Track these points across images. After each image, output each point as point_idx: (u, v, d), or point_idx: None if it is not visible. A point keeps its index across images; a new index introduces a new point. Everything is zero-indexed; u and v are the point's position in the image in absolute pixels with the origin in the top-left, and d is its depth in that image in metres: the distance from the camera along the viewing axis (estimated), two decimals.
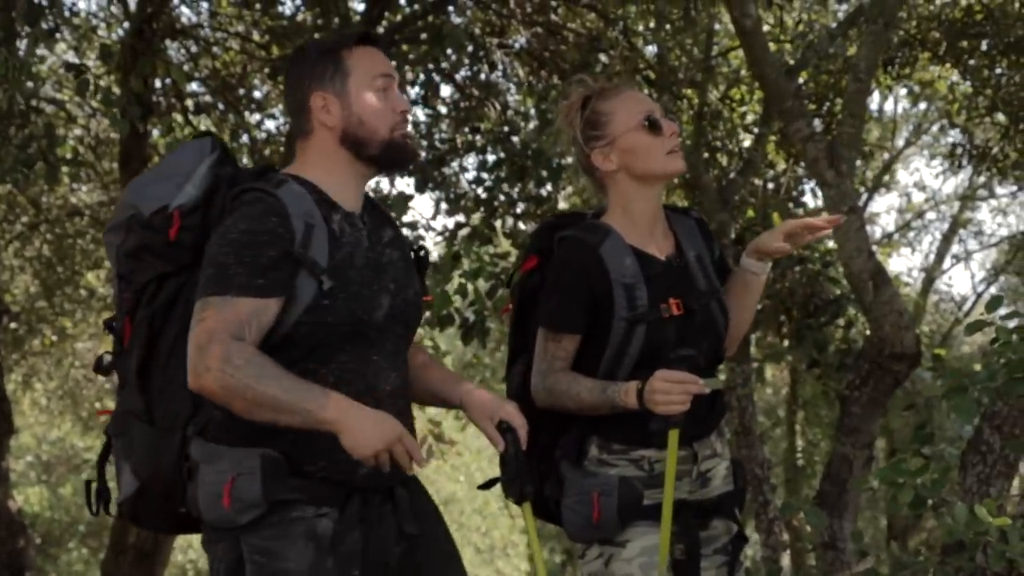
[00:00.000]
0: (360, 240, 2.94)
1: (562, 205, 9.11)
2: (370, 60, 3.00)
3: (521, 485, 2.99)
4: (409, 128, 3.05)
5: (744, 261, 3.39)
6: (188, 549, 21.13)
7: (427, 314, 7.68)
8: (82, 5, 30.72)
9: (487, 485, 3.20)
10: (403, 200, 7.85)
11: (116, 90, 8.88)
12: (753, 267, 3.39)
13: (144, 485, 2.89)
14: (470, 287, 7.43)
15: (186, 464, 2.82)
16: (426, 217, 13.04)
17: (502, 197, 8.63)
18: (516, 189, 8.59)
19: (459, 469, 23.90)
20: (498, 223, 8.61)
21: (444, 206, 8.77)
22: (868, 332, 7.22)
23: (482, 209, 8.60)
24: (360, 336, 2.87)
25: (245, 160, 10.91)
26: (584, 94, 3.36)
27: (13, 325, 13.04)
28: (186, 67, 10.05)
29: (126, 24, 9.36)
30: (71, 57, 10.22)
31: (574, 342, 3.24)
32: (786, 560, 9.52)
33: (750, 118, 10.32)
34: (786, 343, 9.83)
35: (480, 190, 8.72)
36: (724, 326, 3.37)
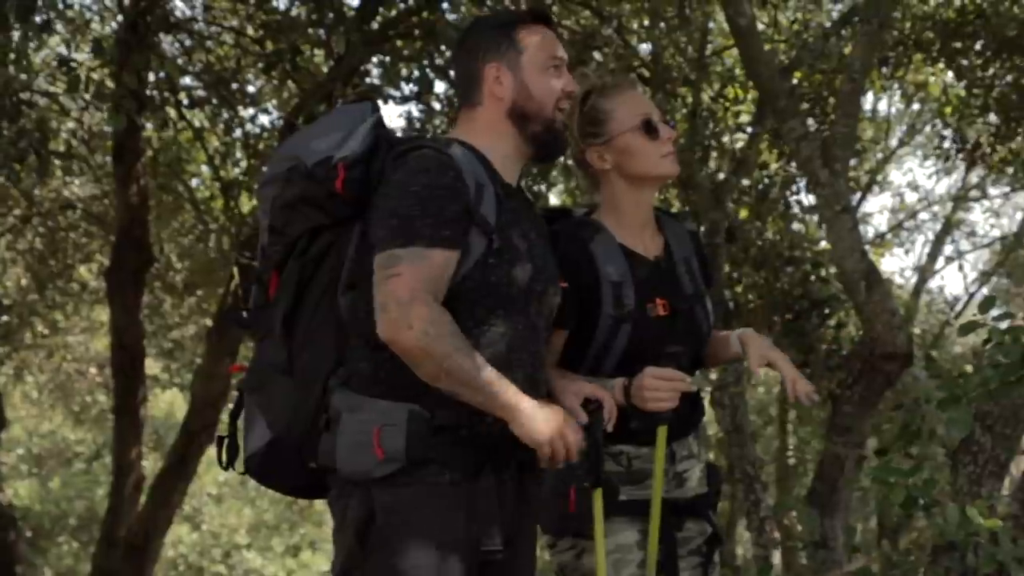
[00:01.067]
0: (518, 210, 2.95)
1: (553, 201, 9.10)
2: (543, 39, 3.04)
3: (599, 468, 3.00)
4: (566, 110, 3.07)
5: (738, 345, 3.38)
6: (179, 544, 21.13)
7: None
8: None
9: (568, 471, 3.10)
10: None
11: (109, 84, 8.87)
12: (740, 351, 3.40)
13: (277, 437, 2.86)
14: None
15: (324, 415, 2.80)
16: None
17: None
18: None
19: None
20: None
21: None
22: (860, 332, 7.23)
23: None
24: (512, 301, 2.86)
25: (239, 155, 10.91)
26: (585, 89, 3.33)
27: (5, 318, 13.02)
28: (180, 61, 10.03)
29: (119, 18, 9.35)
30: (64, 51, 10.19)
31: (562, 337, 3.20)
32: (777, 558, 9.54)
33: (744, 117, 10.33)
34: (778, 342, 9.84)
35: None
36: (707, 330, 3.38)
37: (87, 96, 10.08)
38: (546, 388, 3.04)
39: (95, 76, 9.13)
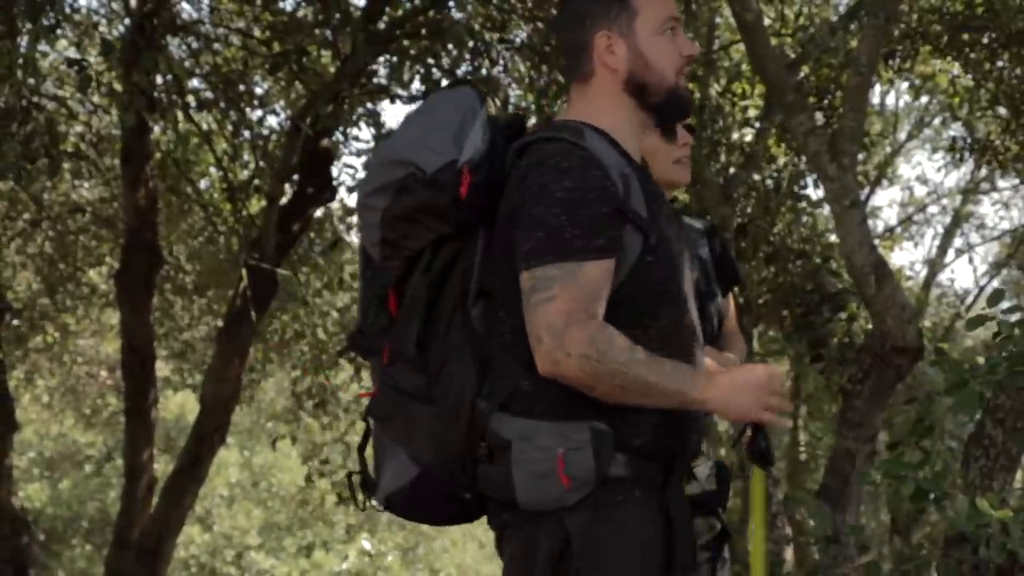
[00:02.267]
0: (658, 194, 2.70)
1: None
2: (658, 0, 2.74)
3: (768, 448, 2.85)
4: (687, 75, 2.79)
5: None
6: (190, 545, 21.16)
7: None
8: (83, 1, 30.74)
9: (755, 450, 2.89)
10: None
11: (118, 87, 8.88)
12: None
13: (425, 471, 2.63)
14: None
15: (483, 444, 2.56)
16: None
17: None
18: None
19: None
20: None
21: None
22: (870, 326, 7.22)
23: None
24: (672, 298, 2.63)
25: (247, 157, 10.93)
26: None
27: (15, 322, 13.04)
28: (187, 63, 10.04)
29: (127, 20, 9.36)
30: (72, 53, 10.21)
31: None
32: (789, 554, 9.53)
33: (751, 112, 10.32)
34: (788, 337, 9.83)
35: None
36: (718, 327, 3.36)
37: (96, 99, 10.13)
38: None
39: (104, 78, 9.16)
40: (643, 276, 2.55)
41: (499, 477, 2.54)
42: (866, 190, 15.43)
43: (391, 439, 2.71)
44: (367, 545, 22.40)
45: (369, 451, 2.82)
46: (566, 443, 2.49)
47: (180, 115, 9.75)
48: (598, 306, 2.47)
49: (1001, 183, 18.56)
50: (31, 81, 6.09)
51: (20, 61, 6.05)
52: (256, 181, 10.45)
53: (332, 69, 9.46)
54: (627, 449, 2.54)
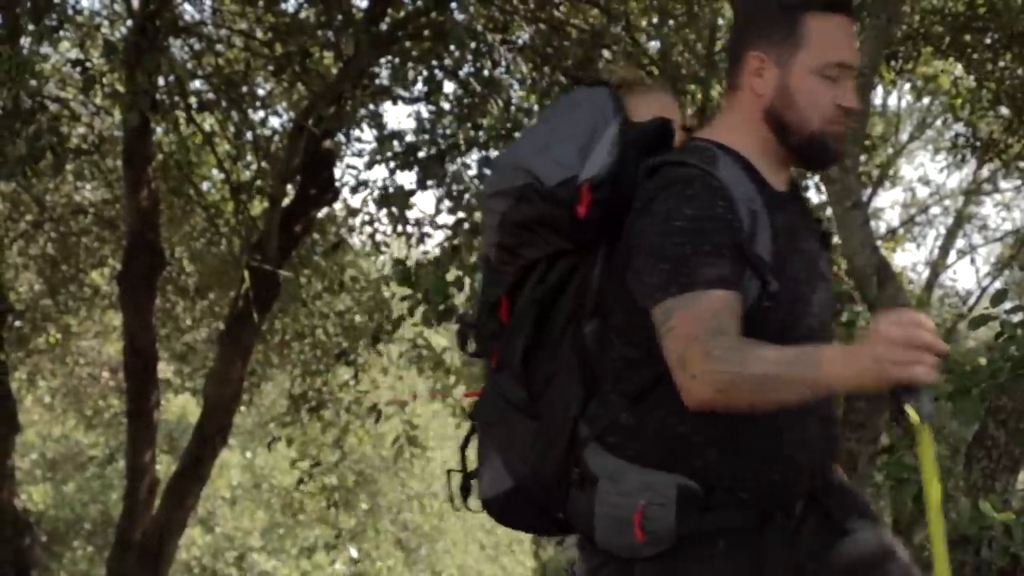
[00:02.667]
0: (795, 226, 2.51)
1: None
2: (834, 36, 2.56)
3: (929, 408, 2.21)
4: (842, 128, 2.61)
5: None
6: (192, 547, 21.16)
7: (421, 310, 7.72)
8: (85, 3, 30.73)
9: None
10: (404, 195, 7.84)
11: (120, 88, 8.89)
12: None
13: (520, 484, 2.58)
14: (467, 281, 7.44)
15: (576, 470, 2.47)
16: (429, 214, 13.06)
17: None
18: None
19: None
20: None
21: (447, 203, 8.77)
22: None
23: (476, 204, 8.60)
24: (791, 342, 2.34)
25: (249, 158, 10.93)
26: (617, 84, 3.24)
27: (17, 323, 13.04)
28: (189, 65, 10.05)
29: (129, 22, 9.36)
30: (75, 55, 10.22)
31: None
32: None
33: None
34: None
35: (479, 185, 8.72)
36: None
37: (98, 100, 10.13)
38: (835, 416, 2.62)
39: (106, 79, 9.16)
40: (760, 321, 2.36)
41: (583, 508, 2.46)
42: (868, 191, 15.43)
43: (492, 445, 2.66)
44: (354, 553, 22.39)
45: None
46: (650, 495, 2.38)
47: (182, 117, 9.77)
48: (722, 328, 2.27)
49: (1003, 184, 18.57)
50: (33, 83, 6.09)
51: (23, 62, 6.06)
52: (258, 182, 10.46)
53: (335, 70, 9.46)
54: (718, 502, 2.38)
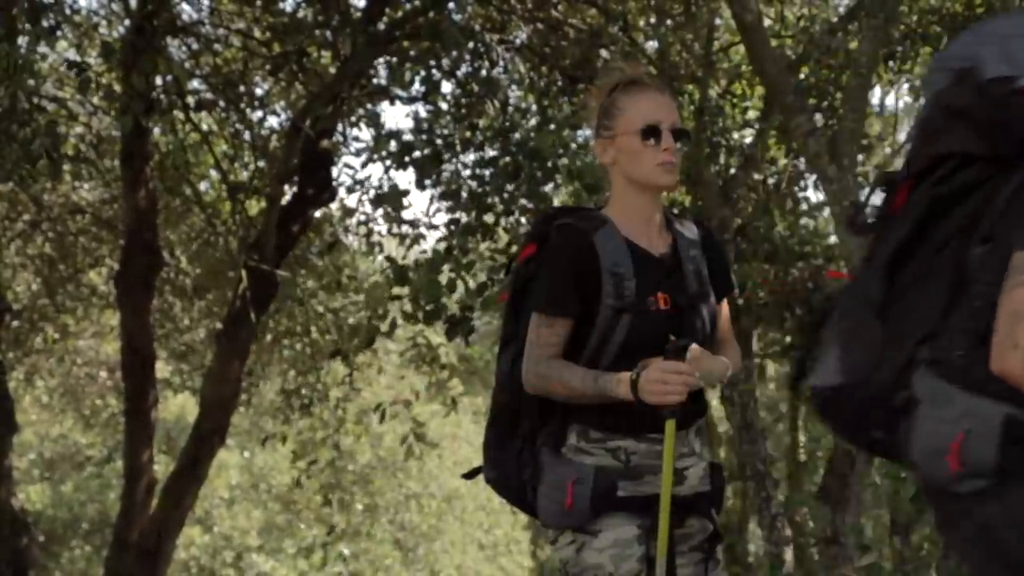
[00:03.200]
0: None
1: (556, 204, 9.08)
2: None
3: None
4: None
5: None
6: (190, 547, 21.16)
7: (407, 307, 7.75)
8: (83, 3, 30.72)
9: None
10: (397, 195, 7.83)
11: (117, 88, 8.88)
12: None
13: (848, 384, 2.37)
14: (460, 282, 7.43)
15: (904, 392, 2.24)
16: (428, 214, 13.06)
17: (496, 197, 8.61)
18: (511, 187, 8.58)
19: (462, 465, 23.90)
20: (495, 219, 8.59)
21: (443, 203, 8.75)
22: None
23: (476, 204, 8.59)
24: None
25: (247, 158, 10.93)
26: (613, 82, 3.35)
27: (15, 323, 13.04)
28: (187, 64, 10.05)
29: (127, 22, 9.36)
30: (72, 55, 10.21)
31: (566, 327, 3.24)
32: (788, 555, 9.53)
33: (751, 113, 10.32)
34: (788, 339, 9.83)
35: (475, 185, 8.71)
36: (710, 330, 3.36)
37: (96, 99, 10.13)
38: None
39: (103, 80, 9.15)
40: None
41: (905, 432, 2.26)
42: (866, 191, 15.41)
43: (837, 338, 2.46)
44: (346, 551, 22.41)
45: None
46: (973, 423, 2.13)
47: (180, 117, 9.76)
48: None
49: None
50: (31, 83, 6.09)
51: (20, 63, 6.05)
52: (256, 182, 10.46)
53: (333, 70, 9.46)
54: None
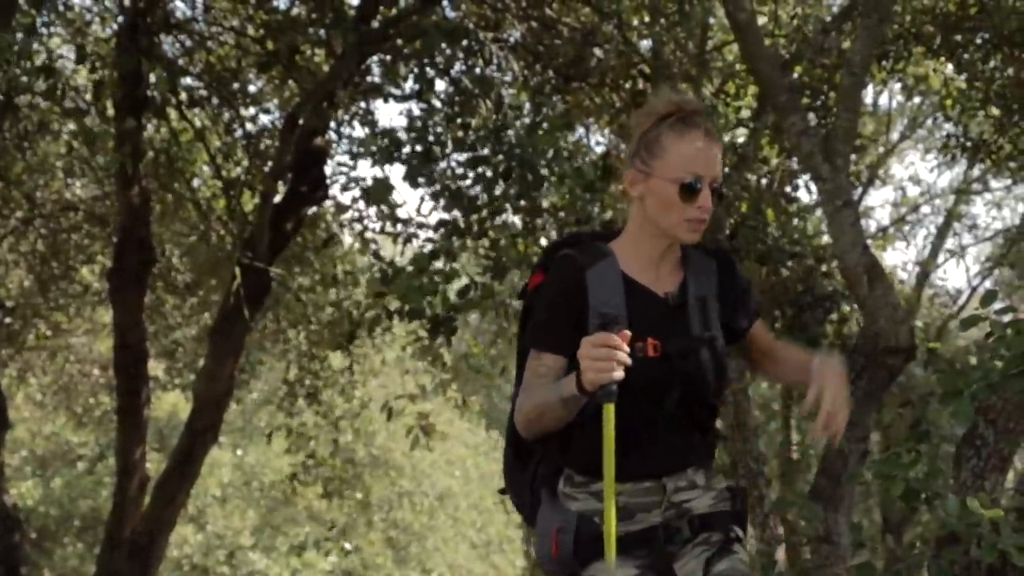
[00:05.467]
0: None
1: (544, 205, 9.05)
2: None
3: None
4: None
5: (810, 375, 3.13)
6: (183, 544, 21.14)
7: (393, 307, 7.74)
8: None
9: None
10: (384, 189, 7.81)
11: (89, 99, 8.84)
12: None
13: None
14: (442, 285, 7.43)
15: None
16: (420, 213, 13.00)
17: (485, 196, 8.59)
18: (502, 187, 8.56)
19: (455, 464, 23.91)
20: (483, 219, 8.57)
21: (432, 202, 8.74)
22: (862, 326, 7.23)
23: (465, 204, 8.57)
24: None
25: (240, 155, 10.91)
26: (667, 110, 3.14)
27: (7, 320, 13.03)
28: (180, 61, 10.04)
29: (120, 19, 9.35)
30: (66, 52, 10.20)
31: (558, 363, 3.07)
32: (780, 554, 9.53)
33: (745, 112, 10.32)
34: (781, 337, 9.82)
35: (467, 185, 8.69)
36: (715, 374, 3.15)
37: (88, 97, 10.10)
38: None
39: (78, 78, 9.10)
40: None
41: None
42: (859, 190, 15.44)
43: None
44: (347, 546, 22.41)
45: None
46: None
47: (173, 113, 9.75)
48: None
49: (994, 183, 18.59)
50: (24, 79, 6.08)
51: (13, 56, 6.04)
52: (249, 179, 10.45)
53: (326, 68, 9.45)
54: None
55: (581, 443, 3.10)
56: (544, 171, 7.90)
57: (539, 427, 3.07)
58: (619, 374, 2.79)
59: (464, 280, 7.90)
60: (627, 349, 2.81)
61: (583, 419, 3.03)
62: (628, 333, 2.82)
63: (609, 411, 2.84)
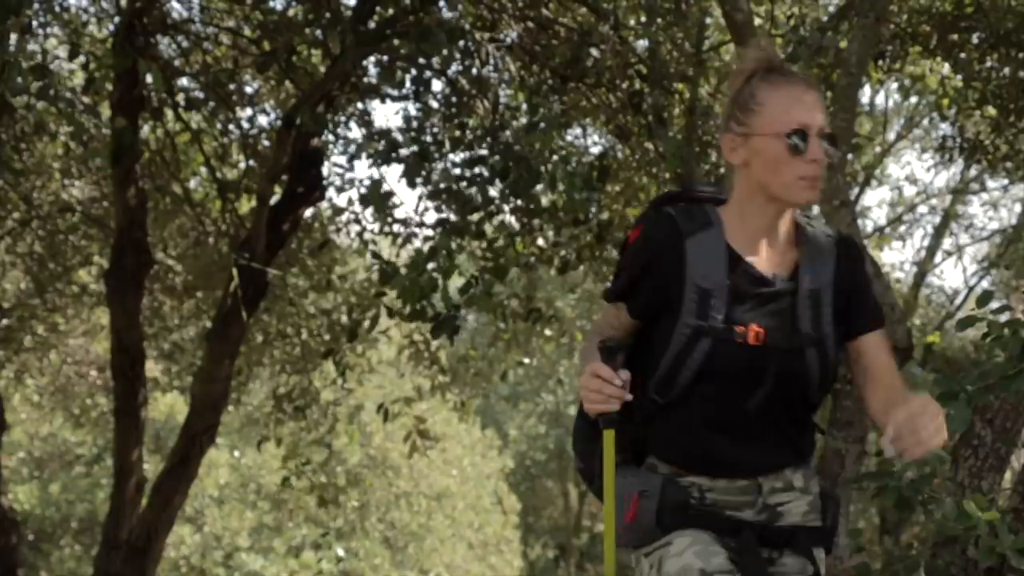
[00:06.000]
0: None
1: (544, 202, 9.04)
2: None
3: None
4: None
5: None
6: (180, 546, 21.12)
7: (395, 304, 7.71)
8: (72, 0, 30.58)
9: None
10: (380, 194, 7.80)
11: (86, 99, 8.82)
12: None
13: None
14: (442, 282, 7.42)
15: None
16: (418, 213, 13.00)
17: (480, 198, 8.58)
18: (499, 187, 8.55)
19: (452, 464, 23.90)
20: (480, 218, 8.55)
21: (430, 202, 8.74)
22: None
23: (461, 204, 8.56)
24: None
25: (237, 156, 10.90)
26: (753, 65, 2.87)
27: (5, 321, 13.01)
28: (177, 62, 10.03)
29: (116, 20, 9.34)
30: (62, 52, 10.18)
31: (620, 316, 2.86)
32: None
33: None
34: None
35: (464, 185, 8.68)
36: (818, 378, 2.84)
37: (86, 99, 10.09)
38: None
39: (74, 79, 9.09)
40: None
41: None
42: (855, 190, 15.44)
43: None
44: (340, 552, 22.39)
45: None
46: None
47: (170, 114, 9.74)
48: None
49: (990, 183, 18.60)
50: (19, 80, 6.06)
51: (10, 59, 6.03)
52: (246, 180, 10.44)
53: (323, 69, 9.44)
54: None
55: (667, 428, 2.86)
56: (540, 170, 7.88)
57: None
58: (614, 406, 2.67)
59: (463, 278, 7.89)
60: (621, 382, 2.66)
61: (668, 402, 2.82)
62: (628, 374, 2.69)
63: (608, 437, 2.74)
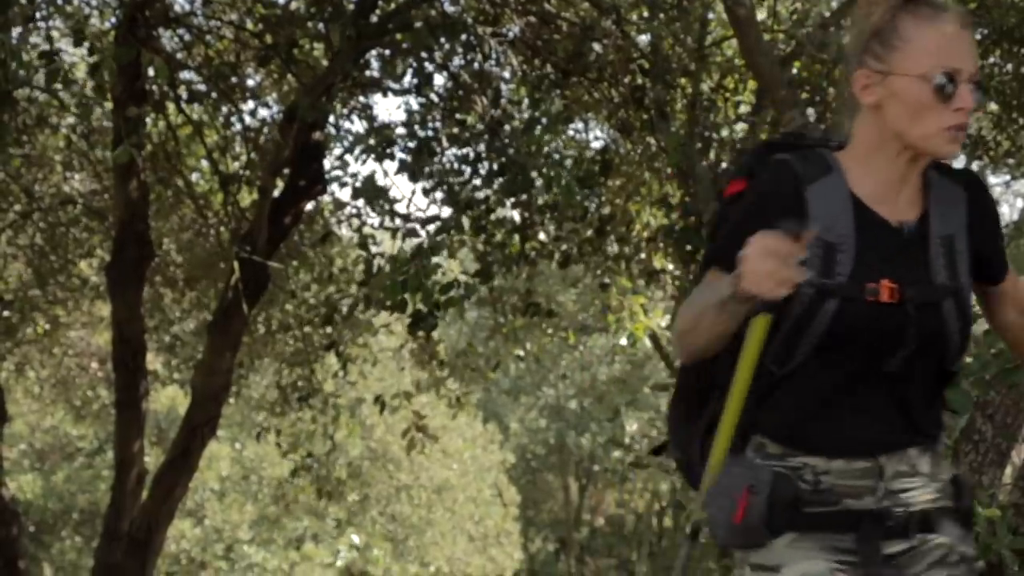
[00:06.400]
0: None
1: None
2: None
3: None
4: None
5: None
6: (181, 538, 21.16)
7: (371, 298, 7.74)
8: None
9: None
10: (374, 188, 7.81)
11: (89, 92, 8.83)
12: None
13: None
14: (424, 280, 7.44)
15: None
16: (417, 208, 13.01)
17: (478, 194, 8.58)
18: (496, 184, 8.54)
19: (452, 457, 23.91)
20: (477, 215, 8.54)
21: (426, 198, 8.74)
22: None
23: (457, 201, 8.56)
24: None
25: (239, 149, 10.91)
26: None
27: (6, 313, 13.02)
28: (179, 55, 10.03)
29: (119, 13, 9.34)
30: (64, 45, 10.18)
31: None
32: None
33: (743, 107, 10.31)
34: None
35: (461, 181, 8.69)
36: (959, 335, 2.53)
37: (88, 92, 10.10)
38: None
39: (78, 71, 9.09)
40: None
41: None
42: None
43: None
44: (355, 539, 22.43)
45: None
46: None
47: (172, 107, 9.74)
48: None
49: (992, 179, 18.56)
50: (21, 73, 6.07)
51: (11, 51, 6.03)
52: (247, 173, 10.44)
53: (326, 62, 9.44)
54: None
55: (782, 402, 2.52)
56: (534, 173, 7.88)
57: (693, 341, 2.47)
58: (783, 291, 2.24)
59: (450, 276, 7.90)
60: (802, 255, 2.24)
61: (788, 370, 2.49)
62: (807, 245, 2.27)
63: (759, 323, 2.37)
